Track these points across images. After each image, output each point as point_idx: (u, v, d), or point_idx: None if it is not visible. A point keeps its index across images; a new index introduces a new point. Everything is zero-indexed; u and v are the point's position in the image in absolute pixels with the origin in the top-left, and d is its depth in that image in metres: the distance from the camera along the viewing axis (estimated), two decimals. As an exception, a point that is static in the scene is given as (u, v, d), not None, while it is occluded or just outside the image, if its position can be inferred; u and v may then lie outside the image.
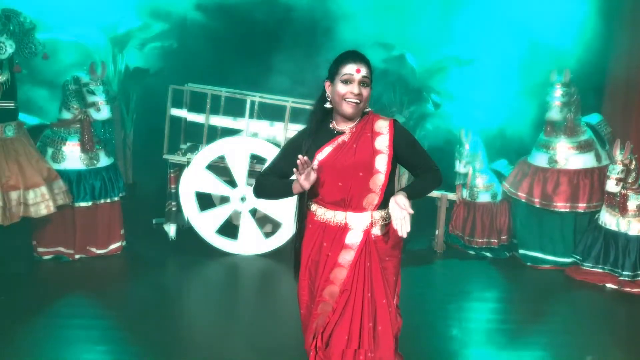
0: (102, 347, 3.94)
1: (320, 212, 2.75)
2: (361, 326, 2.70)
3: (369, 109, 2.77)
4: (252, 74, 6.72)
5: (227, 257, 5.64)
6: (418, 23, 6.60)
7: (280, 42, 7.06)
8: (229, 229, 5.82)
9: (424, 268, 5.72)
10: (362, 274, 2.71)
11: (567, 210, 5.55)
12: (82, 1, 6.39)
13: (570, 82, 5.49)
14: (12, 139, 4.91)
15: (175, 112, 5.85)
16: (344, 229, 2.72)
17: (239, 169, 5.59)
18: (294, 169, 2.59)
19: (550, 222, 5.65)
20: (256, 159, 5.67)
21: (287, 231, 5.52)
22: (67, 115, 5.34)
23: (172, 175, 5.80)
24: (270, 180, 2.80)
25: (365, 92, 2.65)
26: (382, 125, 2.71)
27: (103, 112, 5.28)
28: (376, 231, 2.73)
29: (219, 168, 5.75)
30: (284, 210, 5.41)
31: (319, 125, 2.75)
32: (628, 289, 5.08)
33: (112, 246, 5.56)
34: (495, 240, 5.94)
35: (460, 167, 5.94)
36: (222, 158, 5.64)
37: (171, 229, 5.85)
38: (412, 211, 2.53)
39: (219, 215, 5.70)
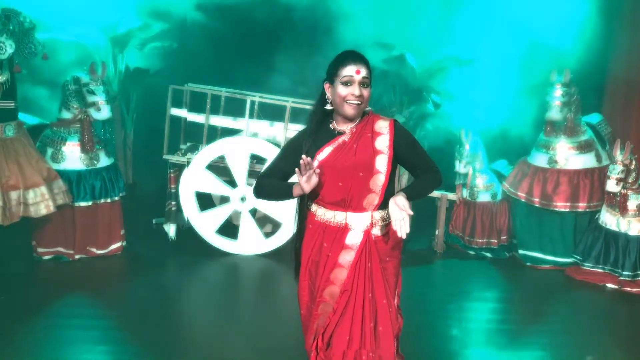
0: (102, 347, 3.94)
1: (321, 213, 2.75)
2: (362, 326, 2.70)
3: (369, 109, 2.77)
4: (252, 74, 6.72)
5: (227, 257, 5.64)
6: (418, 23, 6.60)
7: (280, 42, 7.06)
8: (229, 229, 5.82)
9: (424, 268, 5.72)
10: (363, 274, 2.71)
11: (567, 210, 5.55)
12: (82, 1, 6.38)
13: (570, 82, 5.48)
14: (12, 139, 4.91)
15: (175, 111, 5.85)
16: (344, 229, 2.72)
17: (239, 169, 5.59)
18: (296, 169, 2.59)
19: (550, 222, 5.65)
20: (256, 159, 5.67)
21: (287, 231, 5.52)
22: (66, 115, 5.34)
23: (172, 175, 5.80)
24: (271, 182, 2.79)
25: (365, 92, 2.65)
26: (383, 126, 2.71)
27: (103, 112, 5.28)
28: (376, 231, 2.73)
29: (219, 168, 5.75)
30: (284, 210, 5.41)
31: (319, 125, 2.75)
32: (628, 289, 5.08)
33: (113, 246, 5.56)
34: (495, 241, 5.94)
35: (460, 167, 5.94)
36: (222, 158, 5.64)
37: (171, 229, 5.85)
38: (411, 212, 2.52)
39: (219, 215, 5.70)
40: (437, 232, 6.04)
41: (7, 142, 4.88)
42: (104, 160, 5.47)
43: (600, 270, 5.25)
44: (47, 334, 4.06)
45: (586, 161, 5.58)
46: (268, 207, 5.50)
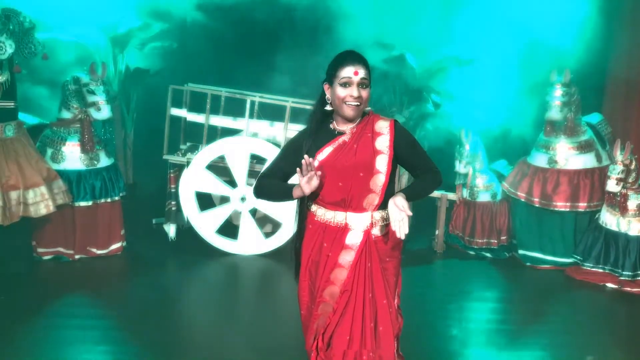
0: (102, 347, 3.94)
1: (321, 213, 2.75)
2: (362, 327, 2.70)
3: (369, 109, 2.77)
4: (252, 74, 6.72)
5: (227, 257, 5.64)
6: (418, 23, 6.61)
7: (280, 42, 7.07)
8: (229, 229, 5.82)
9: (424, 268, 5.72)
10: (363, 274, 2.71)
11: (567, 209, 5.55)
12: (82, 1, 6.39)
13: (570, 82, 5.48)
14: (11, 139, 4.91)
15: (175, 111, 5.85)
16: (344, 230, 2.72)
17: (239, 169, 5.59)
18: (297, 169, 2.58)
19: (550, 222, 5.64)
20: (256, 159, 5.66)
21: (287, 231, 5.52)
22: (66, 114, 5.34)
23: (172, 175, 5.81)
24: (271, 182, 2.79)
25: (364, 93, 2.64)
26: (383, 126, 2.71)
27: (103, 112, 5.28)
28: (376, 231, 2.73)
29: (219, 168, 5.74)
30: (284, 210, 5.41)
31: (319, 125, 2.75)
32: (628, 289, 5.08)
33: (113, 246, 5.56)
34: (495, 241, 5.94)
35: (460, 168, 5.94)
36: (222, 158, 5.64)
37: (171, 229, 5.85)
38: (410, 213, 2.52)
39: (219, 215, 5.70)
40: (437, 232, 6.04)
41: (7, 142, 4.88)
42: (104, 161, 5.47)
43: (601, 270, 5.25)
44: (47, 334, 4.06)
45: (586, 161, 5.58)
46: (268, 207, 5.50)
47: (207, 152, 5.59)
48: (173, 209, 5.80)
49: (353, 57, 2.65)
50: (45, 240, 5.34)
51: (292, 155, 2.73)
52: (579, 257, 5.43)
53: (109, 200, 5.46)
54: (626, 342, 4.27)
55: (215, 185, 5.68)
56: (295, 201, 2.87)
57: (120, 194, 5.54)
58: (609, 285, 5.19)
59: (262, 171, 2.92)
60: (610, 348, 4.12)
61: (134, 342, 3.98)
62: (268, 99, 5.83)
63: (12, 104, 4.93)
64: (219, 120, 5.91)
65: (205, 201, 5.91)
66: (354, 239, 2.71)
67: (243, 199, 5.62)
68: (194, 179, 5.62)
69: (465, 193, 5.99)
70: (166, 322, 4.30)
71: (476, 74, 6.49)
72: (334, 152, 2.67)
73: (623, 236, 5.14)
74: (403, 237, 2.54)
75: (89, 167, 5.36)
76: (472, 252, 5.97)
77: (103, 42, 6.80)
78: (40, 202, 4.90)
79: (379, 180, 2.67)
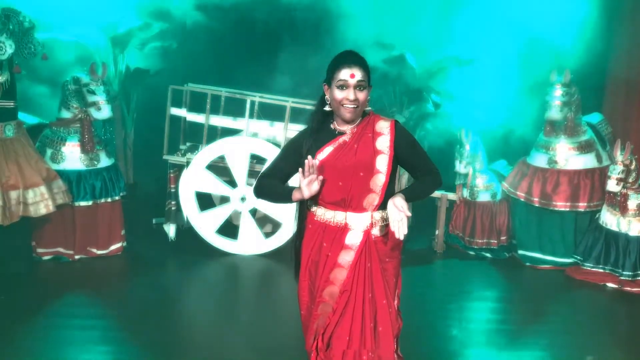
0: (102, 347, 3.94)
1: (320, 212, 2.75)
2: (362, 327, 2.69)
3: (370, 109, 2.76)
4: (252, 74, 6.72)
5: (227, 257, 5.63)
6: (418, 23, 6.62)
7: (280, 41, 7.07)
8: (229, 229, 5.82)
9: (424, 268, 5.72)
10: (362, 274, 2.70)
11: (567, 209, 5.54)
12: (82, 1, 6.39)
13: (570, 82, 5.47)
14: (11, 140, 4.91)
15: (175, 111, 5.84)
16: (343, 229, 2.71)
17: (239, 169, 5.59)
18: (299, 169, 2.58)
19: (550, 222, 5.64)
20: (256, 159, 5.66)
21: (287, 231, 5.52)
22: (66, 114, 5.33)
23: (171, 175, 5.80)
24: (272, 183, 2.79)
25: (362, 95, 2.63)
26: (384, 126, 2.70)
27: (104, 112, 5.27)
28: (376, 232, 2.72)
29: (219, 168, 5.74)
30: (284, 210, 5.41)
31: (320, 125, 2.75)
32: (628, 289, 5.08)
33: (113, 247, 5.55)
34: (495, 241, 5.94)
35: (460, 168, 5.94)
36: (222, 158, 5.64)
37: (171, 230, 5.84)
38: (409, 214, 2.52)
39: (219, 215, 5.70)
40: (437, 232, 6.04)
41: (7, 142, 4.88)
42: (104, 161, 5.47)
43: (601, 271, 5.25)
44: (47, 334, 4.06)
45: (587, 161, 5.57)
46: (268, 207, 5.50)
47: (207, 152, 5.59)
48: (173, 208, 5.79)
49: (350, 59, 2.63)
50: (45, 241, 5.34)
51: (292, 155, 2.73)
52: (579, 258, 5.43)
53: (109, 200, 5.45)
54: (626, 342, 4.27)
55: (215, 185, 5.68)
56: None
57: (121, 194, 5.54)
58: (609, 285, 5.19)
59: (262, 171, 2.92)
60: (611, 348, 4.12)
61: (134, 342, 3.98)
62: (268, 99, 5.83)
63: (12, 103, 4.93)
64: (219, 120, 5.91)
65: (205, 201, 5.91)
66: (353, 239, 2.70)
67: (243, 199, 5.62)
68: (194, 179, 5.62)
69: (466, 193, 5.99)
70: (166, 322, 4.30)
71: (476, 74, 6.50)
72: (335, 152, 2.67)
73: (623, 236, 5.14)
74: (402, 238, 2.54)
75: (89, 167, 5.35)
76: (472, 252, 5.97)
77: (103, 42, 6.80)
78: (40, 202, 4.90)
79: (379, 180, 2.66)
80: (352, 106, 2.62)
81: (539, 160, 5.68)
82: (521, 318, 4.65)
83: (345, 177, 2.66)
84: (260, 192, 2.82)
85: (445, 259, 5.92)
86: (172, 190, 5.78)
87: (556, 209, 5.55)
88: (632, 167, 5.11)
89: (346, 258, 2.70)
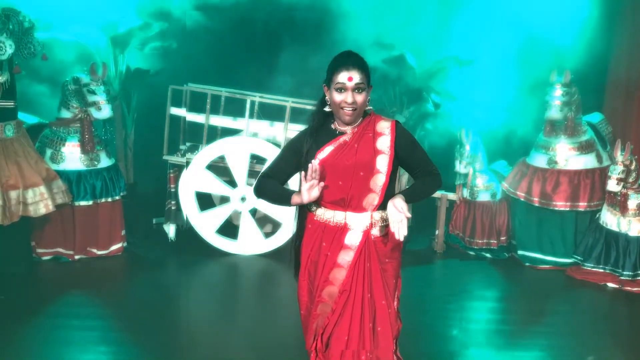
0: (102, 347, 3.93)
1: (320, 212, 2.75)
2: (361, 327, 2.69)
3: (370, 109, 2.76)
4: (252, 74, 6.72)
5: (227, 257, 5.63)
6: (418, 23, 6.62)
7: (280, 41, 7.06)
8: (229, 229, 5.82)
9: (424, 268, 5.72)
10: (362, 274, 2.70)
11: (567, 209, 5.54)
12: (82, 1, 6.38)
13: (570, 82, 5.47)
14: (11, 140, 4.91)
15: (174, 111, 5.84)
16: (343, 229, 2.71)
17: (239, 169, 5.59)
18: (302, 173, 2.58)
19: (550, 222, 5.64)
20: (256, 159, 5.66)
21: (287, 231, 5.52)
22: (66, 114, 5.33)
23: (171, 175, 5.80)
24: (272, 183, 2.78)
25: (360, 97, 2.62)
26: (384, 126, 2.70)
27: (104, 111, 5.27)
28: (376, 232, 2.72)
29: (219, 168, 5.74)
30: (284, 210, 5.40)
31: (320, 125, 2.74)
32: (629, 288, 5.08)
33: (113, 247, 5.55)
34: (495, 242, 5.93)
35: (460, 168, 5.93)
36: (222, 158, 5.64)
37: (170, 230, 5.84)
38: (409, 215, 2.52)
39: (219, 215, 5.69)
40: (437, 232, 6.04)
41: (6, 142, 4.87)
42: (104, 161, 5.46)
43: (601, 271, 5.25)
44: (47, 334, 4.05)
45: (587, 162, 5.56)
46: (268, 207, 5.50)
47: (207, 152, 5.59)
48: (173, 208, 5.79)
49: (348, 61, 2.62)
50: (45, 241, 5.33)
51: (293, 155, 2.73)
52: (579, 258, 5.43)
53: (109, 199, 5.45)
54: (627, 342, 4.27)
55: (215, 185, 5.68)
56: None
57: (121, 194, 5.54)
58: (610, 285, 5.19)
59: (262, 170, 2.92)
60: (611, 348, 4.12)
61: (134, 342, 3.97)
62: (268, 99, 5.83)
63: (12, 103, 4.93)
64: (219, 120, 5.91)
65: (205, 201, 5.90)
66: (353, 239, 2.70)
67: (243, 199, 5.62)
68: (194, 179, 5.61)
69: (466, 193, 5.99)
70: (166, 322, 4.30)
71: (476, 74, 6.49)
72: (335, 151, 2.67)
73: (623, 236, 5.14)
74: (402, 239, 2.54)
75: (89, 167, 5.35)
76: (472, 253, 5.97)
77: (103, 42, 6.79)
78: (40, 201, 4.90)
79: (379, 180, 2.66)
80: (351, 109, 2.62)
81: (539, 160, 5.68)
82: (521, 318, 4.65)
83: (345, 177, 2.66)
84: (260, 192, 2.81)
85: (445, 259, 5.92)
86: (172, 190, 5.77)
87: (556, 208, 5.54)
88: (632, 167, 5.11)
89: (345, 258, 2.70)
